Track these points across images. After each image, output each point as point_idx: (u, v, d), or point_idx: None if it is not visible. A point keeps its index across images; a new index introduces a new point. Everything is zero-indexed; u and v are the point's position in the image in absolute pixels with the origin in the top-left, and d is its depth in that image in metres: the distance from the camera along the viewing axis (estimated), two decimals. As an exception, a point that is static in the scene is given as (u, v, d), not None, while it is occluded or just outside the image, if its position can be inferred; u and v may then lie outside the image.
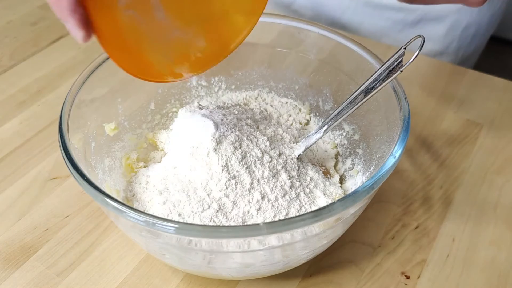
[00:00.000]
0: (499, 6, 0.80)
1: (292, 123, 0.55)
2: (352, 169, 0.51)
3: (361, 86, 0.44)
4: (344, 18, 0.82)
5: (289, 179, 0.45)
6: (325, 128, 0.47)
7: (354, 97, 0.45)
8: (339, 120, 0.46)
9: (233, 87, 0.59)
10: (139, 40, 0.39)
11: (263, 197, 0.44)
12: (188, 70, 0.43)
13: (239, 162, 0.44)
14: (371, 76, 0.43)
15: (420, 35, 0.40)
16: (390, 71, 0.42)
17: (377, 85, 0.43)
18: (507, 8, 0.85)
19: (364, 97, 0.43)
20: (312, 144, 0.48)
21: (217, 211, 0.43)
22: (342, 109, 0.46)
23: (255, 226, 0.36)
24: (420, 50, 0.39)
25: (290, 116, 0.56)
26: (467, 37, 0.80)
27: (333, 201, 0.46)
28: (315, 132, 0.48)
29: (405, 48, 0.41)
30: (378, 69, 0.43)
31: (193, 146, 0.45)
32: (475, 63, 0.89)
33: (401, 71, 0.41)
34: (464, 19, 0.78)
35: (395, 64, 0.42)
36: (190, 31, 0.42)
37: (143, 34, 0.39)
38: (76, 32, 0.34)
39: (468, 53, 0.83)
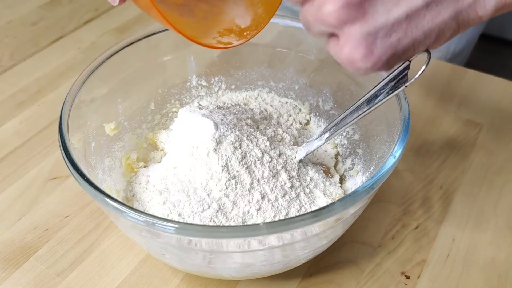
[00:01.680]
0: None
1: (292, 123, 0.55)
2: (352, 169, 0.51)
3: (364, 96, 0.44)
4: None
5: (289, 179, 0.45)
6: (327, 135, 0.46)
7: (357, 106, 0.44)
8: (341, 129, 0.45)
9: (233, 87, 0.59)
10: (175, 19, 0.39)
11: (263, 197, 0.44)
12: (236, 39, 0.42)
13: (239, 162, 0.44)
14: (375, 87, 0.43)
15: (426, 50, 0.39)
16: (395, 82, 0.42)
17: (381, 96, 0.42)
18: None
19: (367, 108, 0.43)
20: (313, 150, 0.48)
21: (217, 211, 0.43)
22: (344, 117, 0.45)
23: (255, 226, 0.36)
24: (426, 66, 0.38)
25: (290, 116, 0.56)
26: None
27: (333, 201, 0.46)
28: (317, 138, 0.47)
29: (410, 61, 0.41)
30: (382, 80, 0.43)
31: (193, 146, 0.45)
32: (467, 59, 0.89)
33: (406, 86, 0.40)
34: None
35: (400, 76, 0.41)
36: (219, 10, 0.42)
37: (177, 16, 0.39)
38: None
39: (459, 48, 0.83)
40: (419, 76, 0.38)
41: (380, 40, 0.34)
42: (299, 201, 0.45)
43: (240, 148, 0.45)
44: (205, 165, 0.44)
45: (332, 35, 0.37)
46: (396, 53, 0.35)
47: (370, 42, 0.34)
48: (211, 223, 0.43)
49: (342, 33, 0.35)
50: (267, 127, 0.52)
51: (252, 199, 0.44)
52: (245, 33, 0.42)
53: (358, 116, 0.44)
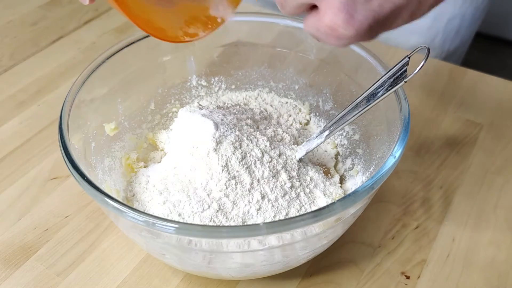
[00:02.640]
0: (482, 0, 0.81)
1: (292, 123, 0.55)
2: (352, 169, 0.51)
3: (363, 93, 0.44)
4: None
5: (289, 179, 0.45)
6: (326, 133, 0.46)
7: (357, 104, 0.44)
8: (341, 127, 0.45)
9: (233, 87, 0.59)
10: (144, 8, 0.39)
11: (263, 197, 0.44)
12: (202, 30, 0.43)
13: (239, 162, 0.44)
14: (374, 84, 0.43)
15: (425, 46, 0.39)
16: (394, 79, 0.42)
17: (380, 93, 0.42)
18: (506, 8, 0.85)
19: (367, 105, 0.43)
20: (313, 149, 0.48)
21: (217, 211, 0.43)
22: (344, 115, 0.45)
23: (255, 226, 0.36)
24: (425, 62, 0.38)
25: (290, 116, 0.56)
26: (452, 30, 0.81)
27: (333, 201, 0.46)
28: (316, 137, 0.47)
29: (409, 57, 0.41)
30: (382, 77, 0.43)
31: (193, 146, 0.45)
32: (462, 59, 0.89)
33: (405, 82, 0.40)
34: (448, 11, 0.78)
35: (399, 73, 0.42)
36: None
37: (146, 4, 0.40)
38: None
39: (454, 46, 0.83)
40: (417, 71, 0.38)
41: (361, 5, 0.34)
42: (299, 201, 0.45)
43: (240, 148, 0.45)
44: (205, 165, 0.44)
45: (310, 9, 0.36)
46: (378, 19, 0.35)
47: (351, 7, 0.34)
48: (211, 223, 0.43)
49: (321, 2, 0.35)
50: (267, 127, 0.52)
51: (252, 199, 0.44)
52: (209, 24, 0.43)
53: (357, 113, 0.44)
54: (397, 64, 0.42)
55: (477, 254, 0.49)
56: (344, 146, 0.54)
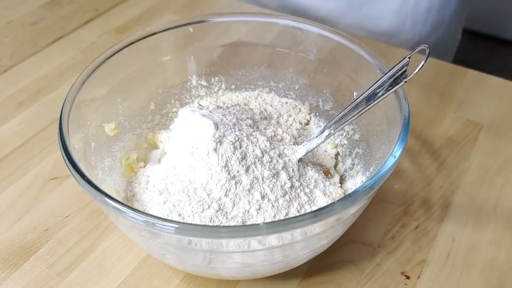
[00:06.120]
0: None
1: (292, 123, 0.55)
2: (352, 169, 0.51)
3: (363, 93, 0.44)
4: (305, 3, 0.85)
5: (289, 179, 0.45)
6: (326, 133, 0.47)
7: (357, 104, 0.45)
8: (341, 127, 0.45)
9: (233, 87, 0.59)
10: None
11: (263, 197, 0.44)
12: None
13: (239, 162, 0.44)
14: (374, 84, 0.43)
15: (425, 46, 0.39)
16: (394, 79, 0.42)
17: (380, 93, 0.42)
18: (507, 8, 0.86)
19: (367, 105, 0.43)
20: (313, 149, 0.48)
21: (217, 211, 0.43)
22: (344, 115, 0.45)
23: (255, 226, 0.36)
24: (425, 62, 0.38)
25: (290, 116, 0.56)
26: (421, 12, 0.82)
27: (333, 201, 0.46)
28: (316, 137, 0.47)
29: (409, 58, 0.41)
30: (382, 77, 0.43)
31: (193, 146, 0.45)
32: (462, 58, 0.90)
33: (405, 82, 0.40)
34: None
35: (399, 73, 0.42)
36: None
37: None
38: None
39: (427, 30, 0.84)
40: (417, 71, 0.38)
41: None
42: (299, 201, 0.45)
43: (240, 148, 0.45)
44: (205, 165, 0.44)
45: None
46: None
47: None
48: (211, 223, 0.43)
49: None
50: (267, 127, 0.52)
51: (252, 199, 0.44)
52: None
53: (357, 113, 0.44)
54: (397, 64, 0.42)
55: (477, 254, 0.49)
56: (344, 146, 0.54)
